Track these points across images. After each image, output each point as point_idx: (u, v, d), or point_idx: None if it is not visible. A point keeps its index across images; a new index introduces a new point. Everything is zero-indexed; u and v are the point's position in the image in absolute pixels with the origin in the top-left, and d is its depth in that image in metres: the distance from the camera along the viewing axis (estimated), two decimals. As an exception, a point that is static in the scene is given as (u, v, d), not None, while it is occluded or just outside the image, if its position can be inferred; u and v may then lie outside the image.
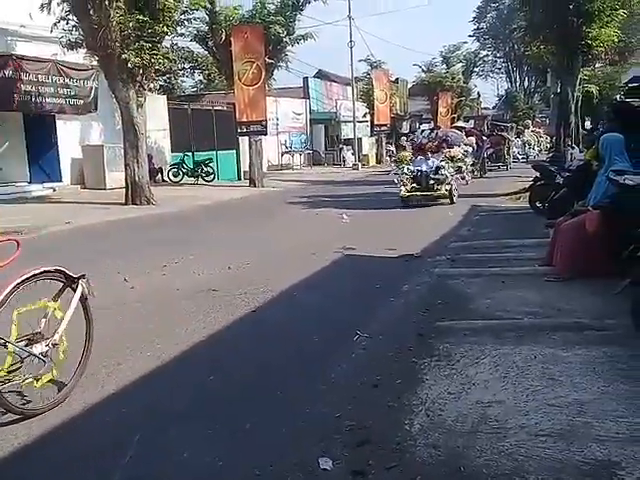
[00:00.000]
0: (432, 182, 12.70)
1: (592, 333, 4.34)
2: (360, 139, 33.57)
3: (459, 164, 14.32)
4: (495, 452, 2.82)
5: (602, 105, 24.87)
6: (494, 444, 2.88)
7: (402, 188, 12.67)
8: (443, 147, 13.96)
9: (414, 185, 12.86)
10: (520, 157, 29.08)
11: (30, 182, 17.24)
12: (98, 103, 17.96)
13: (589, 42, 15.94)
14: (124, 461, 2.88)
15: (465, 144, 17.73)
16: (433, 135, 14.62)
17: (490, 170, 22.94)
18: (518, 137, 32.23)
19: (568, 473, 2.63)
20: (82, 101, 17.69)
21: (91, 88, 17.84)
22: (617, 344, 4.07)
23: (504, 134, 25.66)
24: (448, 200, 12.79)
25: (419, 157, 13.37)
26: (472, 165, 19.13)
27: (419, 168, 12.90)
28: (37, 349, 3.34)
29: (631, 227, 5.16)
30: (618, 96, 21.26)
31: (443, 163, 13.00)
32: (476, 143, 20.52)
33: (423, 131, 15.22)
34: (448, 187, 12.72)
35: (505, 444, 2.88)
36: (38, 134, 17.12)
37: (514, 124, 34.79)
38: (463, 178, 16.53)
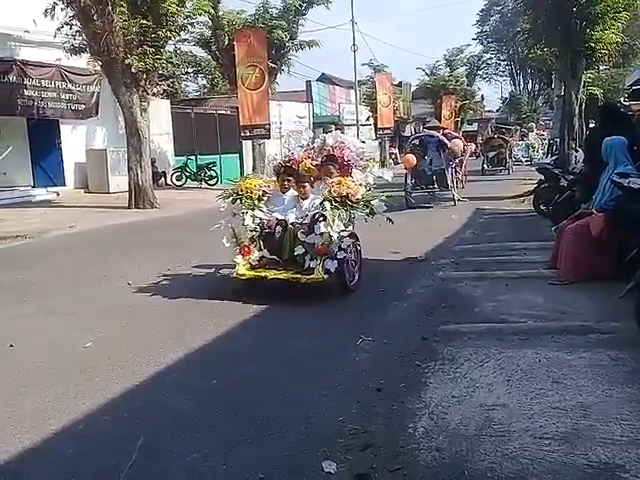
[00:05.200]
0: (301, 251, 5.78)
1: (596, 336, 4.33)
2: (363, 142, 33.57)
3: (359, 211, 5.88)
4: (499, 455, 2.81)
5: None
6: (498, 447, 2.87)
7: (238, 258, 5.91)
8: (331, 171, 6.35)
9: (265, 254, 5.99)
10: (524, 160, 29.00)
11: (34, 186, 17.30)
12: (101, 108, 18.04)
13: (592, 45, 15.92)
14: (127, 465, 2.88)
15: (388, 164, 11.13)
16: (318, 145, 6.81)
17: (492, 174, 22.89)
18: (522, 140, 32.20)
19: (572, 476, 2.63)
20: (84, 106, 17.76)
21: (93, 93, 17.91)
22: (621, 347, 4.06)
23: (505, 137, 25.53)
24: (337, 288, 5.92)
25: (284, 192, 6.40)
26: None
27: (279, 216, 6.12)
28: None
29: (635, 230, 5.14)
30: (622, 98, 21.24)
31: (327, 206, 5.72)
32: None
33: (292, 134, 7.55)
34: (332, 264, 5.59)
35: (509, 447, 2.87)
36: (42, 138, 17.17)
37: (517, 127, 34.80)
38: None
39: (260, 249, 6.01)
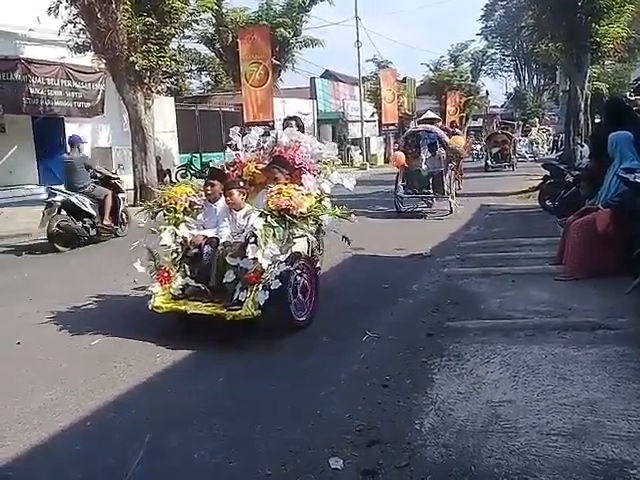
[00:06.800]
0: (230, 279, 4.66)
1: (603, 332, 4.31)
2: (368, 139, 33.54)
3: (301, 229, 4.69)
4: (506, 452, 2.81)
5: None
6: (505, 444, 2.87)
7: (156, 286, 4.82)
8: (276, 176, 5.18)
9: (189, 281, 4.88)
10: (528, 156, 28.88)
11: (40, 184, 17.35)
12: (106, 106, 18.07)
13: (598, 39, 15.81)
14: (135, 461, 2.90)
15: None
16: (269, 145, 5.66)
17: (496, 170, 22.77)
18: (525, 136, 32.04)
19: (579, 472, 2.62)
20: (89, 104, 17.80)
21: (98, 91, 17.96)
22: (628, 343, 4.05)
23: (508, 132, 25.30)
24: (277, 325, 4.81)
25: (212, 201, 5.24)
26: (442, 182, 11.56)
27: (208, 233, 5.04)
28: None
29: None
30: (628, 93, 21.13)
31: (259, 224, 4.51)
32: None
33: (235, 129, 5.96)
34: (262, 296, 4.38)
35: (516, 443, 2.87)
36: (47, 137, 17.23)
37: (520, 122, 34.65)
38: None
39: (186, 275, 4.88)
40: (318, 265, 5.81)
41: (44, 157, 17.56)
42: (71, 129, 17.82)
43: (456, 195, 12.09)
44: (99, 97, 18.01)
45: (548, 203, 10.22)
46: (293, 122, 6.24)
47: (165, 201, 5.10)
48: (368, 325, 4.75)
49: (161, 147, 20.26)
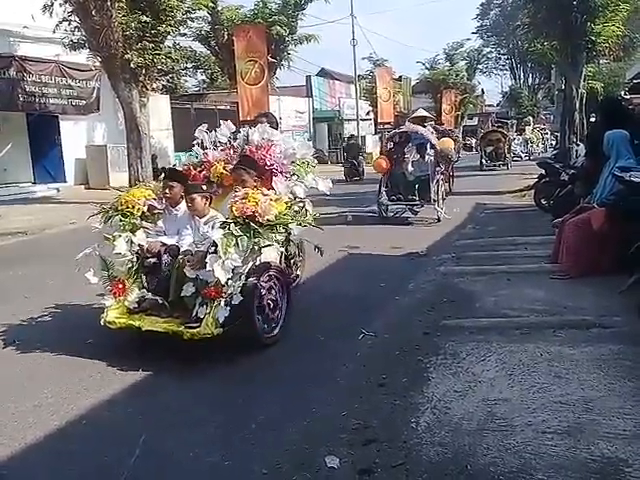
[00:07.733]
0: (189, 292, 4.23)
1: (598, 330, 4.33)
2: (364, 137, 33.54)
3: (267, 240, 4.24)
4: (502, 450, 2.81)
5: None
6: (501, 442, 2.88)
7: (109, 299, 4.44)
8: (243, 177, 4.66)
9: (146, 294, 4.48)
10: (523, 155, 28.88)
11: (34, 183, 17.31)
12: (101, 103, 18.02)
13: (593, 38, 15.87)
14: (131, 460, 2.89)
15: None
16: (239, 144, 5.37)
17: (491, 169, 22.77)
18: (520, 135, 32.07)
19: (575, 470, 2.63)
20: (85, 101, 17.77)
21: (94, 88, 17.91)
22: (623, 341, 4.06)
23: (502, 130, 25.24)
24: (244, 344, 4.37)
25: (173, 205, 4.81)
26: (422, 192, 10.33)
27: (167, 241, 4.62)
28: None
29: (636, 224, 5.13)
30: (623, 92, 21.19)
31: (215, 234, 4.07)
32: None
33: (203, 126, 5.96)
34: (222, 312, 4.03)
35: (512, 442, 2.87)
36: (42, 135, 17.17)
37: (515, 121, 34.67)
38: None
39: (143, 286, 4.49)
40: (298, 273, 5.69)
41: (39, 155, 17.50)
42: (66, 127, 17.81)
43: (447, 196, 11.32)
44: (94, 95, 17.97)
45: (543, 202, 10.23)
46: (264, 119, 5.61)
47: (122, 205, 4.69)
48: (364, 324, 4.75)
49: (156, 145, 20.21)
